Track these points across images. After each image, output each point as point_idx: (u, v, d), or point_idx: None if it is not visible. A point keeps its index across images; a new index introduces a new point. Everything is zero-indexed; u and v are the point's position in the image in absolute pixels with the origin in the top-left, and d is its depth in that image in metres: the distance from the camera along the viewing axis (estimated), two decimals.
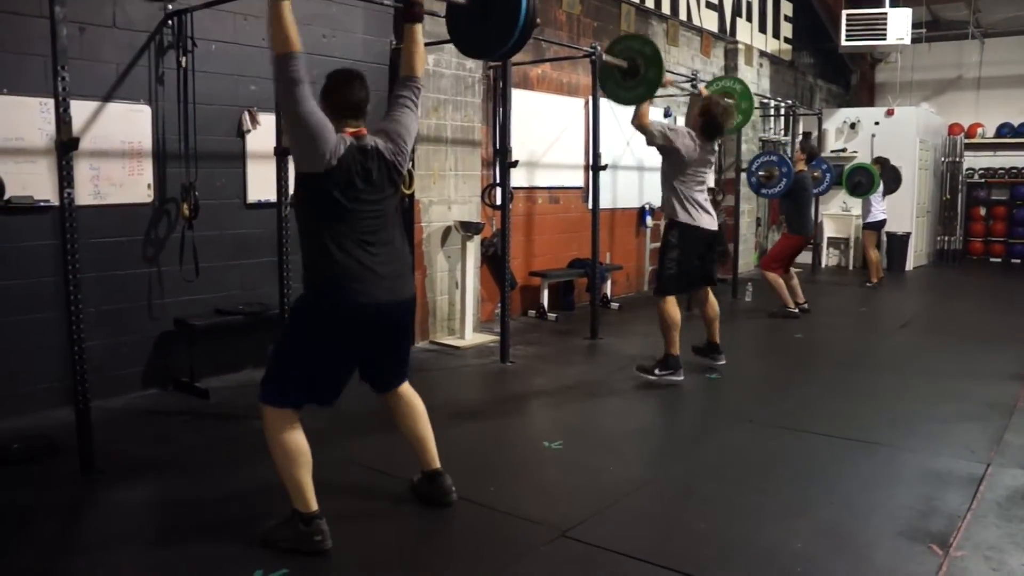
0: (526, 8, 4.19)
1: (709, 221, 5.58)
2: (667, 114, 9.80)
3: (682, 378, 5.59)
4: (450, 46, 6.65)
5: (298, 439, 3.09)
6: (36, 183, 4.56)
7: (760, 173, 8.70)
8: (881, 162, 10.91)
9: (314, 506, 3.08)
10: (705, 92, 6.49)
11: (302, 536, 3.05)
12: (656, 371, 5.60)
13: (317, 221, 3.05)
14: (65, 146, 3.66)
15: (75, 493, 3.64)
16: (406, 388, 3.45)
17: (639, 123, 5.51)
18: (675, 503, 3.66)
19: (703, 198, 5.58)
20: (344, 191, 3.01)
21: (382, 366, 3.37)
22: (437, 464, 3.47)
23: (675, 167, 5.52)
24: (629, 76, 5.81)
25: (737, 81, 8.32)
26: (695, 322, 6.11)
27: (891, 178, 11.07)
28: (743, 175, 9.17)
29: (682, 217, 5.52)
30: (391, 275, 3.15)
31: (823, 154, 12.68)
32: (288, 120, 3.00)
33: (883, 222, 10.84)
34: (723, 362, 5.95)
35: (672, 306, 5.57)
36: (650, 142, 5.55)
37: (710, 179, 5.69)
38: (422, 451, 3.46)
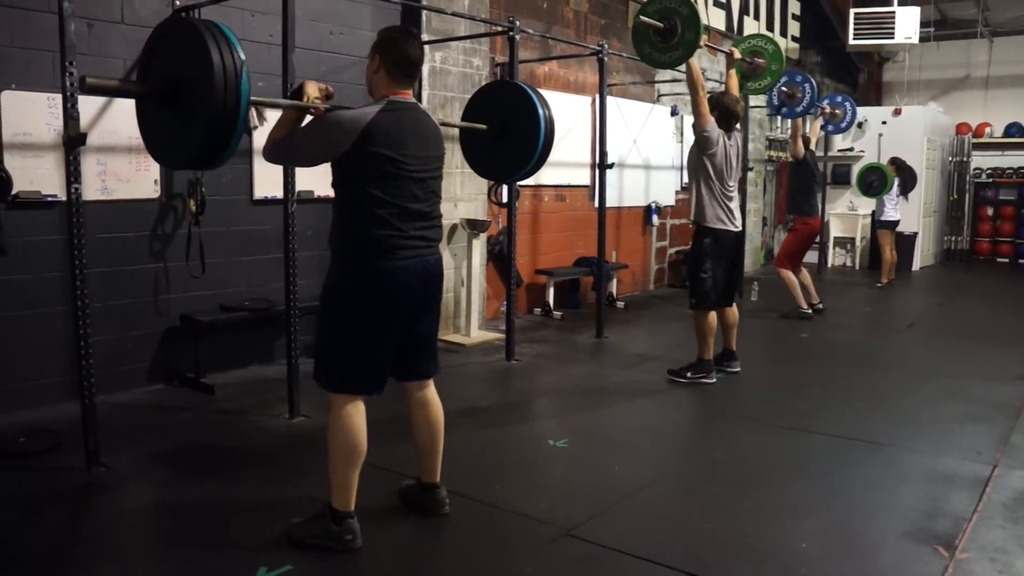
0: (544, 130, 4.50)
1: (736, 224, 5.59)
2: (674, 112, 9.78)
3: (714, 381, 5.58)
4: (456, 43, 6.71)
5: (362, 436, 3.00)
6: (43, 178, 4.57)
7: (783, 90, 8.28)
8: (897, 163, 10.78)
9: (352, 506, 3.01)
10: (736, 53, 6.26)
11: (334, 535, 2.98)
12: (688, 374, 5.59)
13: (364, 185, 2.92)
14: (72, 142, 3.66)
15: (80, 487, 3.65)
16: (433, 394, 3.35)
17: (698, 104, 5.34)
18: (680, 503, 3.66)
19: (732, 200, 5.56)
20: (393, 148, 2.92)
21: (419, 343, 3.22)
22: (438, 478, 3.38)
23: (710, 165, 5.43)
24: (664, 37, 5.43)
25: (770, 41, 7.23)
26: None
27: (908, 177, 11.02)
28: (749, 172, 9.03)
29: (712, 222, 5.49)
30: (432, 240, 3.11)
31: (829, 153, 12.67)
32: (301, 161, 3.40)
33: (897, 222, 10.78)
34: (738, 369, 5.86)
35: (710, 315, 5.58)
36: (702, 127, 5.36)
37: (736, 179, 5.62)
38: (429, 462, 3.35)
